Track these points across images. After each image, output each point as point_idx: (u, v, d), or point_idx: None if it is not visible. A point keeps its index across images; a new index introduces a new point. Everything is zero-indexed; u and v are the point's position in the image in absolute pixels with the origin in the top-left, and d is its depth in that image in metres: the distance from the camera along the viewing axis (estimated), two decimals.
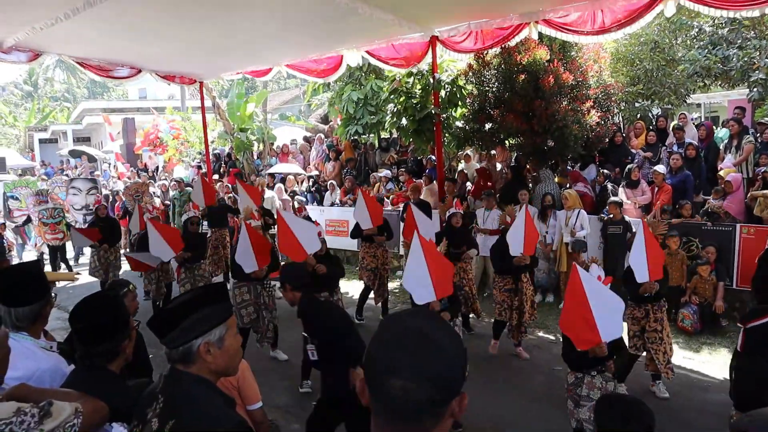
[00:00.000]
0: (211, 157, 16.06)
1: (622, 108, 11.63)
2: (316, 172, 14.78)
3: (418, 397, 1.13)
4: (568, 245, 8.51)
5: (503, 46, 8.75)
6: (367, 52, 10.08)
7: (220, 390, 1.86)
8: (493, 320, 7.28)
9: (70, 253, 13.46)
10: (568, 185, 9.39)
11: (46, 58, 10.41)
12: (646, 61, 11.58)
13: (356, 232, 8.37)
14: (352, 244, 10.74)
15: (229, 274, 7.98)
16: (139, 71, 11.54)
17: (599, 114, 9.08)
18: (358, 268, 8.86)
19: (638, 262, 5.14)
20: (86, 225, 13.28)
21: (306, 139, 17.49)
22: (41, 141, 34.92)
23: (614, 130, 9.95)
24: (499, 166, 10.83)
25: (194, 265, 8.43)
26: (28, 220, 13.23)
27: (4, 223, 12.75)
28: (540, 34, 8.41)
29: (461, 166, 12.03)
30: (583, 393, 4.12)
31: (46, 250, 12.91)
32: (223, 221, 11.03)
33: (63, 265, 12.78)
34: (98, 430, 2.03)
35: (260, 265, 6.48)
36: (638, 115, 11.80)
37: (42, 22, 8.07)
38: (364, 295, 8.59)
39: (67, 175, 19.04)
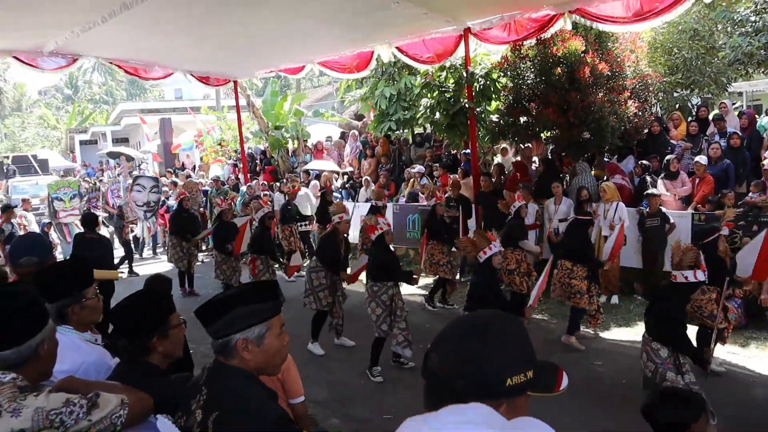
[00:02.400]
0: (246, 155, 16.26)
1: (660, 98, 11.38)
2: (351, 169, 14.83)
3: (443, 373, 1.17)
4: (607, 238, 8.39)
5: (538, 37, 8.65)
6: (398, 49, 10.07)
7: (262, 383, 1.88)
8: (571, 310, 7.17)
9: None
10: (605, 178, 9.24)
11: (84, 62, 10.64)
12: (684, 49, 11.30)
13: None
14: None
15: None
16: (174, 72, 11.75)
17: (636, 105, 8.91)
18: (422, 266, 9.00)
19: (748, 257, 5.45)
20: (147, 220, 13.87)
21: (342, 135, 17.55)
22: (82, 142, 35.65)
23: (652, 121, 9.74)
24: (535, 160, 10.72)
25: (268, 255, 8.94)
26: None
27: (50, 223, 13.09)
28: (575, 25, 8.28)
29: (497, 159, 11.93)
30: (681, 361, 4.50)
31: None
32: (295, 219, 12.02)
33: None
34: (143, 422, 2.07)
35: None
36: (677, 106, 11.53)
37: (80, 26, 8.25)
38: (437, 284, 8.99)
39: (119, 175, 19.51)
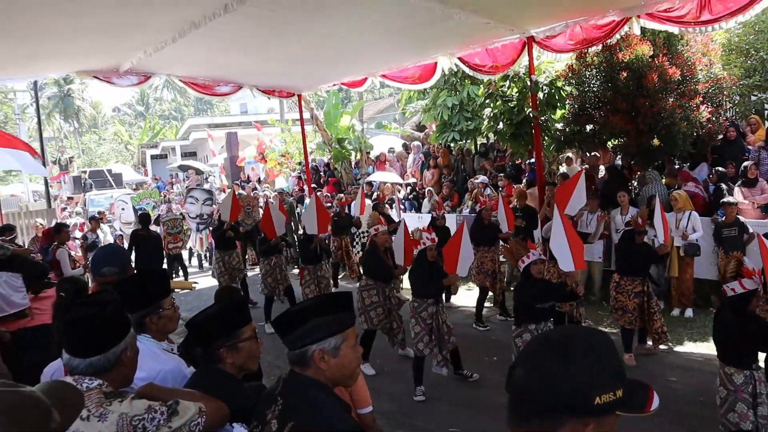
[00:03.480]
0: (310, 167, 16.51)
1: (736, 102, 10.91)
2: (413, 180, 14.84)
3: (528, 389, 1.15)
4: (680, 249, 8.10)
5: (604, 43, 8.46)
6: (460, 59, 10.03)
7: (336, 394, 1.89)
8: (620, 330, 6.89)
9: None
10: (677, 186, 8.93)
11: (155, 80, 11.09)
12: (763, 50, 10.81)
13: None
14: None
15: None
16: (240, 87, 12.07)
17: (710, 110, 8.58)
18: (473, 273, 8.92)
19: None
20: (200, 232, 14.42)
21: (405, 147, 17.59)
22: (153, 157, 37.00)
23: (727, 126, 9.35)
24: (601, 169, 10.46)
25: (316, 266, 8.87)
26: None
27: (121, 235, 13.64)
28: (642, 29, 8.06)
29: (563, 169, 11.71)
30: (759, 390, 4.04)
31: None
32: (345, 230, 11.99)
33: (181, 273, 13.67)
34: (220, 430, 2.12)
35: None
36: (754, 110, 11.03)
37: (152, 46, 8.59)
38: (481, 300, 8.75)
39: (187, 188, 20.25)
